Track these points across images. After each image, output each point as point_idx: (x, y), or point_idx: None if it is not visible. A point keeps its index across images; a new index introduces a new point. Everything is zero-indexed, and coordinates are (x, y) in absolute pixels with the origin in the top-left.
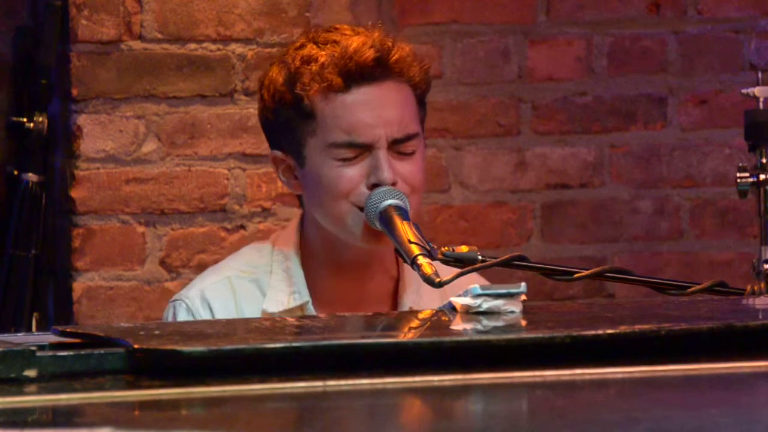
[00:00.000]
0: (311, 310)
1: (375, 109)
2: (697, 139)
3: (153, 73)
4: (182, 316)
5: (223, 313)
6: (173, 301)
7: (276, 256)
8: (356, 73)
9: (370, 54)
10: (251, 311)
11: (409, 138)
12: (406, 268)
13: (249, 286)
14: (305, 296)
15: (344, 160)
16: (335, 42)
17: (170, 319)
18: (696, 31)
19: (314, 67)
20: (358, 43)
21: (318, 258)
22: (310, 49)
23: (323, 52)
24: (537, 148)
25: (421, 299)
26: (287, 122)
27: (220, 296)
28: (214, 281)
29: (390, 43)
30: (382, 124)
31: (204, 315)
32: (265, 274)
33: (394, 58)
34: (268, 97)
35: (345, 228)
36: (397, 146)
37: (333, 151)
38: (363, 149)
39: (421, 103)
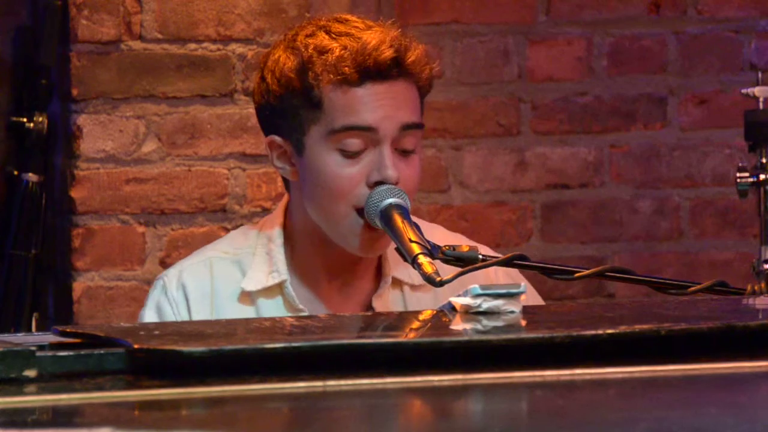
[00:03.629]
0: (289, 288)
1: (384, 104)
2: (697, 139)
3: (153, 73)
4: (157, 294)
5: (197, 294)
6: (157, 278)
7: (261, 239)
8: (373, 70)
9: (389, 53)
10: (228, 293)
11: (416, 126)
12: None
13: (229, 267)
14: (284, 275)
15: (346, 154)
16: (349, 35)
17: (150, 294)
18: (696, 31)
19: (329, 59)
20: (378, 40)
21: (301, 245)
22: (323, 39)
23: (337, 44)
24: (537, 148)
25: (398, 265)
26: (292, 109)
27: (197, 278)
28: (194, 262)
29: (407, 43)
30: (389, 117)
31: (176, 296)
32: (248, 255)
33: (411, 59)
34: (272, 81)
35: (341, 233)
36: (400, 140)
37: (335, 137)
38: (367, 138)
39: (421, 104)
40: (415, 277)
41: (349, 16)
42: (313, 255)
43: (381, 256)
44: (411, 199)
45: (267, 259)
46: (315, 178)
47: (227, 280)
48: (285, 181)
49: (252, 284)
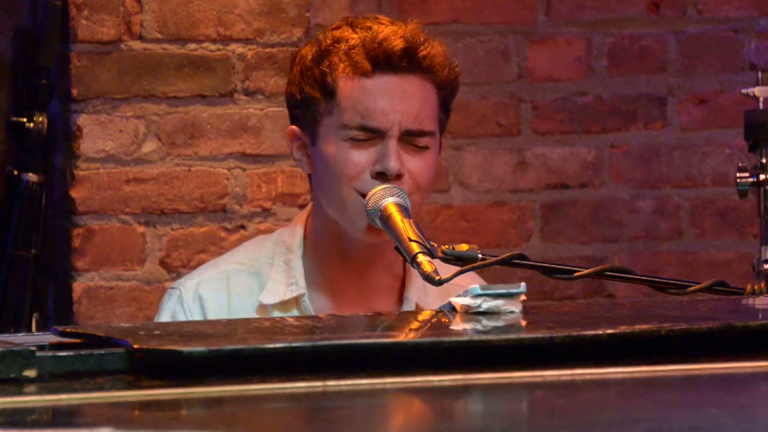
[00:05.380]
0: (306, 302)
1: (393, 98)
2: (697, 139)
3: (153, 73)
4: (172, 304)
5: (214, 308)
6: (171, 287)
7: (279, 248)
8: (383, 60)
9: (399, 44)
10: (246, 305)
11: (423, 134)
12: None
13: (247, 280)
14: (302, 288)
15: (355, 140)
16: (369, 28)
17: (165, 304)
18: (696, 31)
19: (344, 47)
20: (389, 31)
21: (322, 250)
22: (344, 31)
23: (355, 35)
24: (537, 148)
25: (427, 296)
26: (309, 98)
27: (214, 291)
28: (211, 275)
29: (422, 38)
30: (398, 113)
31: (194, 309)
32: (266, 266)
33: (422, 53)
34: (297, 72)
35: (347, 216)
36: (410, 138)
37: (345, 132)
38: (375, 135)
39: (444, 106)
40: (432, 302)
41: (379, 16)
42: (332, 266)
43: (406, 280)
44: (422, 196)
45: (285, 269)
46: (324, 165)
47: (244, 293)
48: (310, 183)
49: (270, 297)
